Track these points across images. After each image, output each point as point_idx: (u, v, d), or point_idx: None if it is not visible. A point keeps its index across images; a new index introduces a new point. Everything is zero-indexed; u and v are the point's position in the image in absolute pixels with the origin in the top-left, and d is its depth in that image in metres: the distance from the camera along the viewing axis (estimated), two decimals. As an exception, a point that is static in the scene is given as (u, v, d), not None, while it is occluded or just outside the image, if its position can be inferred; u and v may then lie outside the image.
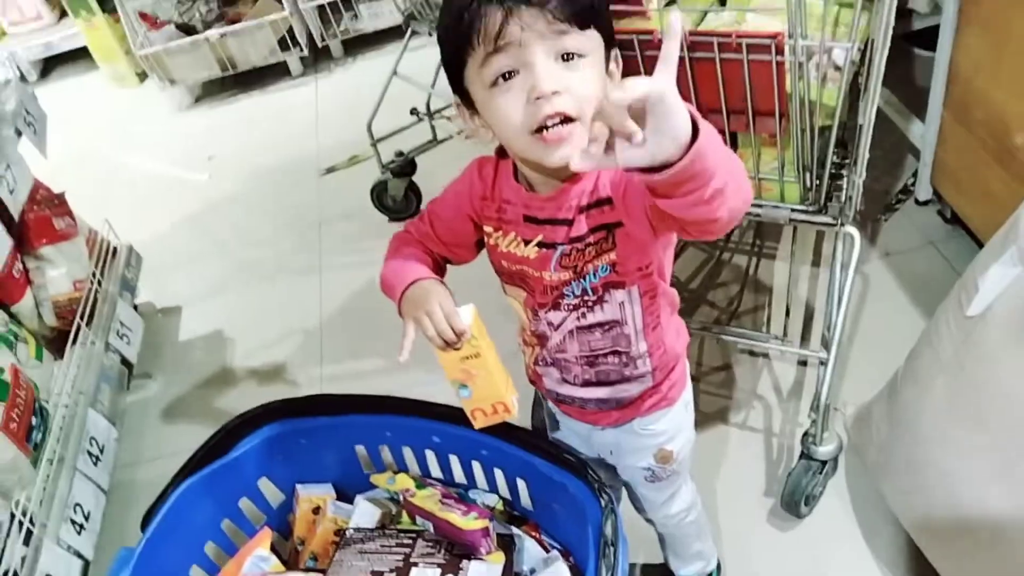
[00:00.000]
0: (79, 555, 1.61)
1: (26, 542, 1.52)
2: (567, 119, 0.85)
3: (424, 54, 2.56)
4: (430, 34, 2.12)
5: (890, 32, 1.19)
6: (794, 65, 1.20)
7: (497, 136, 0.94)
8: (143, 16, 3.21)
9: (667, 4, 1.33)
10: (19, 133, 1.90)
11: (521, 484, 1.24)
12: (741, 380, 1.79)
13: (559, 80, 0.85)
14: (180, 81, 3.24)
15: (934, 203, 2.00)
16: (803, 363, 1.80)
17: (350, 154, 2.76)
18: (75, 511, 1.66)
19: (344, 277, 2.30)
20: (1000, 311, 1.21)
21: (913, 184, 2.04)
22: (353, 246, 2.41)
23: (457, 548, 1.17)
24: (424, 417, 1.26)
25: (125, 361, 2.06)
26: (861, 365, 1.73)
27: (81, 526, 1.65)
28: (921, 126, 1.94)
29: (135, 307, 2.19)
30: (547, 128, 0.86)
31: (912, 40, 2.31)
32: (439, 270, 1.09)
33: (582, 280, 1.00)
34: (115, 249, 2.21)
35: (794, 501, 1.50)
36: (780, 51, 1.19)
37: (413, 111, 2.34)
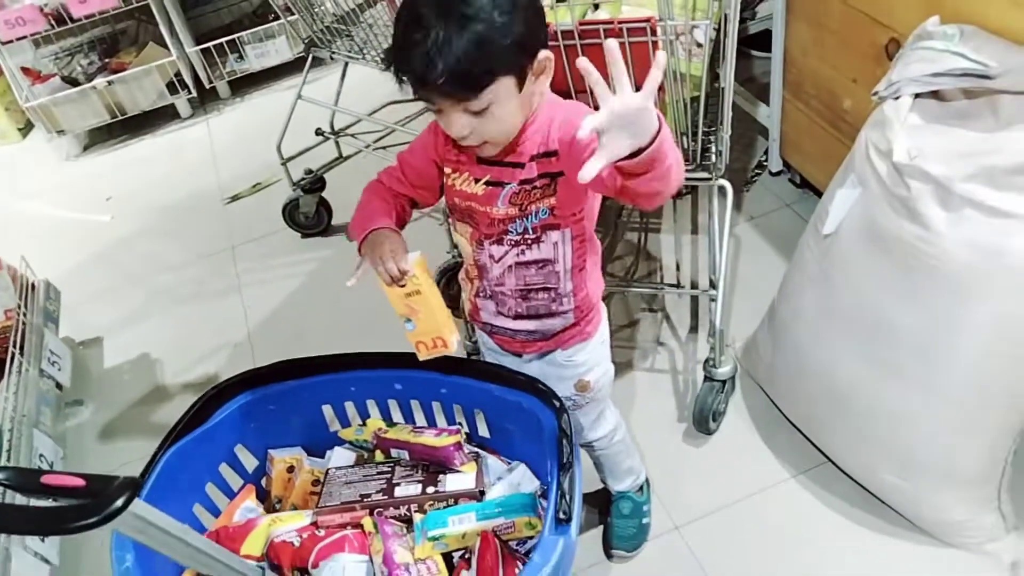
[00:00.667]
0: (46, 560, 1.66)
1: (-8, 554, 1.56)
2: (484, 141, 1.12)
3: (324, 78, 2.75)
4: (331, 58, 2.29)
5: (738, 7, 1.47)
6: (666, 43, 1.47)
7: None
8: (26, 71, 3.23)
9: (558, 1, 1.56)
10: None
11: (478, 415, 1.42)
12: (645, 332, 2.04)
13: (466, 126, 1.09)
14: (69, 130, 3.25)
15: (785, 173, 2.34)
16: (694, 314, 2.06)
17: (252, 182, 2.88)
18: (35, 522, 1.70)
19: (265, 291, 2.41)
20: (848, 227, 1.51)
21: (766, 159, 2.38)
22: (269, 263, 2.52)
23: (433, 466, 1.33)
24: (386, 367, 1.42)
25: (59, 386, 2.10)
26: (741, 308, 2.01)
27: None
28: (766, 108, 2.27)
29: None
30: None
31: (749, 44, 2.69)
32: (402, 218, 1.27)
33: (525, 220, 1.20)
34: (33, 284, 2.25)
35: (703, 418, 1.75)
36: (654, 31, 1.45)
37: (318, 131, 2.50)
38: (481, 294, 1.31)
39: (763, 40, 2.29)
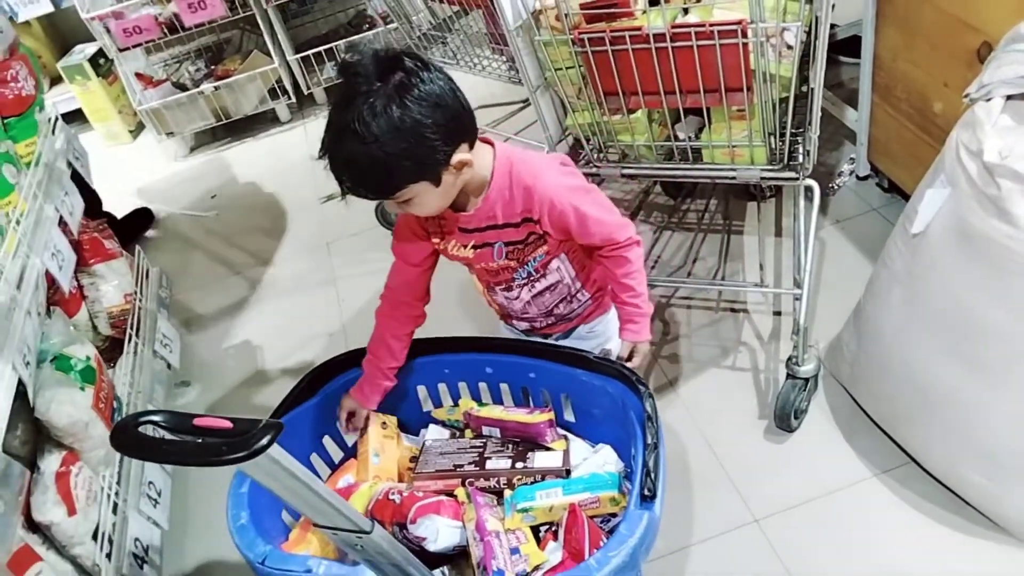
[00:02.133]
0: (156, 524, 1.79)
1: (114, 511, 1.70)
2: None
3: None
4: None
5: (831, 9, 1.50)
6: (756, 45, 1.51)
7: None
8: (139, 76, 3.46)
9: (651, 4, 1.62)
10: (69, 165, 2.12)
11: (565, 399, 1.49)
12: (728, 331, 2.07)
13: (398, 208, 1.26)
14: (177, 132, 3.47)
15: (873, 177, 2.34)
16: (777, 313, 2.08)
17: (347, 183, 3.02)
18: (149, 488, 1.84)
19: (359, 284, 2.53)
20: (937, 226, 1.52)
21: (853, 163, 2.38)
22: (362, 258, 2.65)
23: (523, 444, 1.40)
24: (477, 351, 1.50)
25: (169, 367, 2.25)
26: (825, 311, 2.02)
27: (155, 500, 1.84)
28: (854, 112, 2.28)
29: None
30: None
31: (837, 50, 2.69)
32: (425, 287, 1.47)
33: (525, 267, 1.38)
34: (148, 272, 2.42)
35: (785, 414, 1.77)
36: (745, 34, 1.50)
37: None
38: (514, 317, 1.50)
39: (852, 46, 2.30)
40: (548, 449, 1.39)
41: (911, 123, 2.04)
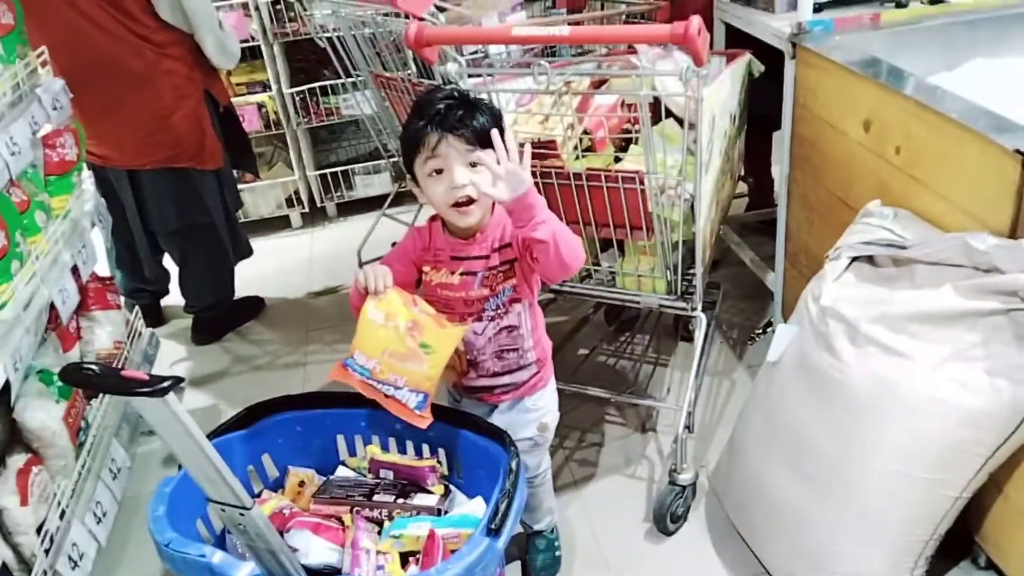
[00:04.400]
0: (95, 538, 2.01)
1: (60, 517, 1.93)
2: (470, 200, 1.53)
3: (409, 204, 3.27)
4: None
5: (704, 176, 1.86)
6: (653, 192, 1.86)
7: (430, 203, 1.59)
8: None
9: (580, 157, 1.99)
10: (93, 225, 2.48)
11: (457, 459, 1.74)
12: (635, 447, 2.32)
13: (466, 178, 1.51)
14: (198, 223, 3.88)
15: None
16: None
17: (337, 284, 3.39)
18: (97, 506, 2.07)
19: (323, 370, 2.82)
20: (787, 357, 1.81)
21: (771, 318, 2.69)
22: (333, 348, 2.96)
23: (409, 486, 1.64)
24: (390, 410, 1.77)
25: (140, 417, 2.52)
26: (724, 438, 2.27)
27: (99, 518, 2.06)
28: (773, 275, 2.61)
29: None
30: (460, 204, 1.53)
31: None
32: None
33: (496, 298, 1.62)
34: (140, 332, 2.73)
35: (661, 515, 1.99)
36: (642, 182, 1.85)
37: (394, 244, 2.98)
38: (465, 375, 1.72)
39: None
40: (429, 492, 1.63)
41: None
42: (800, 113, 2.24)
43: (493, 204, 1.60)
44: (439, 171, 1.53)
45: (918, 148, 1.77)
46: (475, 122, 1.50)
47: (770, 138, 3.02)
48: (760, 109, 2.52)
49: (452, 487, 1.71)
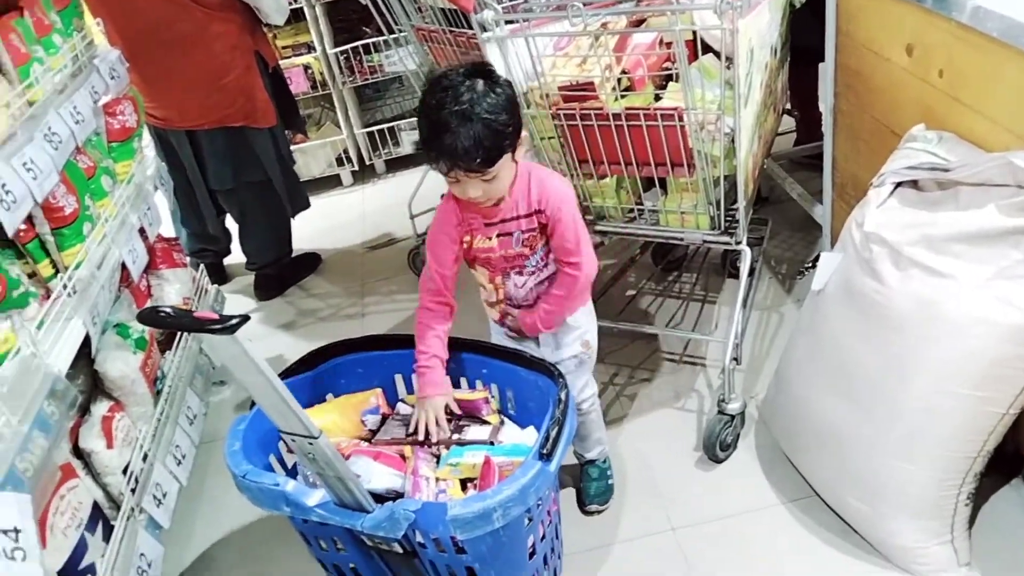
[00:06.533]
0: (176, 478, 2.15)
1: (144, 460, 2.07)
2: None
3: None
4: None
5: (744, 105, 1.87)
6: (694, 128, 1.88)
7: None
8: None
9: (622, 96, 2.01)
10: (156, 188, 2.60)
11: (509, 393, 1.81)
12: (684, 380, 2.37)
13: (478, 190, 1.57)
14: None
15: (834, 265, 2.63)
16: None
17: (389, 238, 3.48)
18: (176, 449, 2.21)
19: (382, 320, 2.93)
20: (831, 285, 1.83)
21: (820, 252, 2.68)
22: (390, 299, 3.06)
23: (465, 419, 1.73)
24: (448, 350, 1.85)
25: (212, 366, 2.66)
26: (773, 373, 2.30)
27: (179, 460, 2.20)
28: (821, 208, 2.60)
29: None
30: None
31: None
32: (455, 284, 1.76)
33: (535, 254, 1.71)
34: (206, 288, 2.86)
35: (711, 444, 2.04)
36: (681, 118, 1.87)
37: (443, 196, 3.05)
38: (507, 315, 1.82)
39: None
40: (484, 422, 1.71)
41: (856, 215, 2.36)
42: (843, 41, 2.21)
43: (516, 173, 1.65)
44: (456, 178, 1.59)
45: (961, 69, 1.75)
46: (487, 154, 1.51)
47: (815, 71, 2.97)
48: (803, 41, 2.49)
49: (505, 419, 1.78)
